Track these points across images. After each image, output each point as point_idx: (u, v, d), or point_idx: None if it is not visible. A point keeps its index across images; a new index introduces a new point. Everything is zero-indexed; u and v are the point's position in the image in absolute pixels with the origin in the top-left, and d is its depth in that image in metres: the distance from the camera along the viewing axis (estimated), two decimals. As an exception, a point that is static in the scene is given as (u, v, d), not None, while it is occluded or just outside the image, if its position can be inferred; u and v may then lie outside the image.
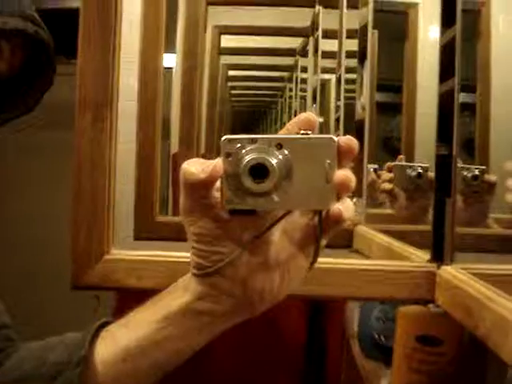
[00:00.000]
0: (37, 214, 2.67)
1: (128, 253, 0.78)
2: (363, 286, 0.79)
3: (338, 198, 0.49)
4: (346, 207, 0.49)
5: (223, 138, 0.48)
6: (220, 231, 0.51)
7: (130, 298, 0.62)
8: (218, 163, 0.48)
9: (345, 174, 0.48)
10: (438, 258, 0.81)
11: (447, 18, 0.84)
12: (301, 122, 0.50)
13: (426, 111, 1.32)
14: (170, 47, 1.69)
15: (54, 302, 2.48)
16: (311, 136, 0.48)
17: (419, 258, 0.85)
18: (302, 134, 0.49)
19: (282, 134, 0.50)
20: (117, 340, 0.57)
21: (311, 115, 0.50)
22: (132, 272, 0.74)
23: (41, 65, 0.84)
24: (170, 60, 1.71)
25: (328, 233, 0.51)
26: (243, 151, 0.47)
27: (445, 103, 0.79)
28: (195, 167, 0.49)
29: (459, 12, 0.78)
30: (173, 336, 0.55)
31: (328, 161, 0.48)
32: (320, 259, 0.67)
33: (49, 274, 2.42)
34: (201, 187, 0.49)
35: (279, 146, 0.48)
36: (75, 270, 0.77)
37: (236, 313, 0.54)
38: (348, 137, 0.49)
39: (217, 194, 0.50)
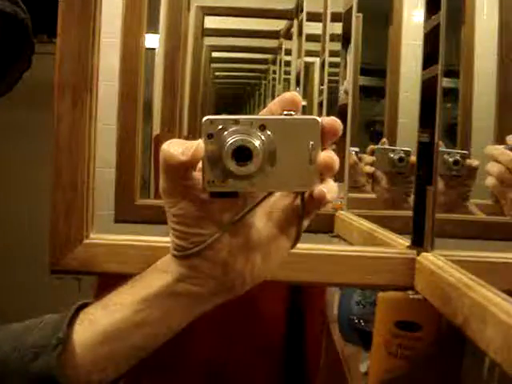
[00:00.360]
0: (18, 195, 2.65)
1: (107, 237, 0.77)
2: (343, 272, 0.79)
3: (322, 180, 0.48)
4: (329, 188, 0.48)
5: (205, 119, 0.47)
6: (201, 213, 0.51)
7: (111, 280, 0.61)
8: (199, 145, 0.47)
9: (328, 156, 0.48)
10: (418, 244, 0.82)
11: (432, 4, 0.83)
12: (284, 102, 0.49)
13: (408, 96, 1.33)
14: (154, 27, 1.67)
15: (33, 284, 2.47)
16: (295, 117, 0.48)
17: (400, 244, 0.86)
18: (286, 114, 0.48)
19: (264, 115, 0.49)
20: (95, 322, 0.56)
21: (295, 95, 0.49)
22: (113, 257, 0.74)
23: (19, 45, 0.82)
24: (153, 41, 1.69)
25: (310, 214, 0.52)
26: (225, 133, 0.47)
27: (427, 90, 0.79)
28: (175, 148, 0.48)
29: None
30: (152, 318, 0.54)
31: (311, 142, 0.47)
32: (300, 244, 0.67)
33: (29, 255, 2.41)
34: (181, 169, 0.49)
35: (262, 127, 0.47)
36: (54, 254, 0.76)
37: (216, 294, 0.54)
38: (332, 118, 0.48)
39: (198, 176, 0.49)
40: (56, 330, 0.56)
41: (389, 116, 1.49)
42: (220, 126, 0.47)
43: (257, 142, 0.46)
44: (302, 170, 0.48)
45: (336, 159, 0.48)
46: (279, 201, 0.53)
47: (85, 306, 0.59)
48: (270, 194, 0.53)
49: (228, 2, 2.07)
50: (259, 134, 0.47)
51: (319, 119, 0.47)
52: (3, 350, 0.58)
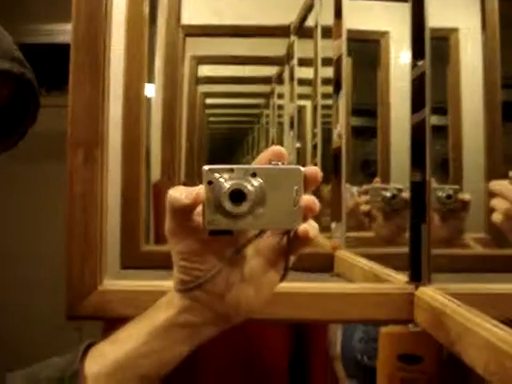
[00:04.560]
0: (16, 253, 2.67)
1: (120, 283, 0.81)
2: (345, 309, 0.83)
3: (304, 220, 0.56)
4: (311, 227, 0.56)
5: (205, 168, 0.55)
6: (202, 250, 0.58)
7: (116, 326, 0.65)
8: (200, 190, 0.55)
9: (310, 199, 0.56)
10: (416, 279, 0.85)
11: (417, 51, 0.87)
12: (272, 154, 0.57)
13: (399, 135, 1.39)
14: (149, 77, 1.72)
15: (34, 333, 2.48)
16: (281, 166, 0.56)
17: (398, 280, 0.89)
18: (274, 164, 0.56)
19: (255, 165, 0.57)
20: (106, 355, 0.61)
21: (281, 149, 0.58)
22: (127, 302, 0.77)
23: (26, 103, 0.88)
24: (150, 90, 1.73)
25: (296, 250, 0.59)
26: (222, 180, 0.54)
27: (417, 133, 0.84)
28: (180, 193, 0.55)
29: (428, 48, 0.83)
30: (158, 348, 0.60)
31: (296, 187, 0.55)
32: (303, 284, 0.73)
33: (28, 313, 2.43)
34: (185, 211, 0.56)
35: (254, 175, 0.55)
36: (70, 301, 0.79)
37: (215, 324, 0.61)
38: (313, 167, 0.57)
39: (198, 218, 0.56)
40: (69, 364, 0.62)
41: (381, 156, 1.54)
42: (218, 174, 0.55)
43: (249, 187, 0.54)
44: (288, 211, 0.55)
45: (316, 202, 0.56)
46: (268, 239, 0.60)
47: (92, 344, 0.64)
48: (262, 231, 0.59)
49: (220, 50, 2.10)
50: (251, 180, 0.55)
51: (302, 168, 0.55)
52: None
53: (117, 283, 0.81)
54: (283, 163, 0.56)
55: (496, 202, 0.81)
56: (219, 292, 0.59)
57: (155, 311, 0.62)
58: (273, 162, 0.56)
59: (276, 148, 0.58)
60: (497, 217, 0.81)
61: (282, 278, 0.61)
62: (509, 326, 0.60)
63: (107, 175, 0.79)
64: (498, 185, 0.82)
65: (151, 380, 0.62)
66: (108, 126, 0.80)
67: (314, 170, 0.57)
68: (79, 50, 0.77)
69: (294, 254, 0.59)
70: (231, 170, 0.55)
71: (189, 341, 0.61)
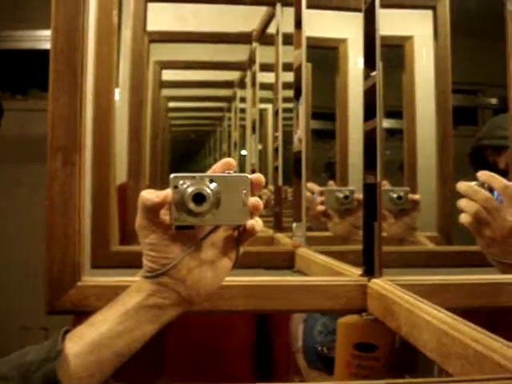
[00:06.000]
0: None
1: (98, 279, 0.87)
2: (305, 300, 0.90)
3: (252, 216, 0.69)
4: (256, 223, 0.69)
5: (172, 176, 0.68)
6: (167, 242, 0.70)
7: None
8: (168, 192, 0.67)
9: (256, 200, 0.69)
10: (369, 272, 0.93)
11: (370, 62, 0.93)
12: (224, 165, 0.71)
13: (356, 138, 1.45)
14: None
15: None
16: (232, 174, 0.69)
17: (353, 273, 0.97)
18: (227, 172, 0.69)
19: (212, 173, 0.70)
20: (84, 336, 0.70)
21: (232, 160, 0.71)
22: (104, 297, 0.82)
23: None
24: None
25: (245, 241, 0.72)
26: (185, 185, 0.67)
27: (369, 139, 0.91)
28: (150, 194, 0.68)
29: (378, 60, 0.90)
30: (130, 327, 0.70)
31: (244, 191, 0.68)
32: (267, 278, 0.81)
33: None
34: (154, 209, 0.68)
35: (211, 181, 0.68)
36: (49, 297, 0.85)
37: (179, 305, 0.72)
38: (257, 174, 0.71)
39: (164, 216, 0.69)
40: (52, 346, 0.69)
41: (340, 157, 1.61)
42: (182, 181, 0.67)
43: (208, 190, 0.67)
44: (238, 210, 0.68)
45: (261, 203, 0.70)
46: (222, 233, 0.72)
47: (68, 331, 0.72)
48: (216, 227, 0.72)
49: (183, 55, 2.15)
50: (209, 185, 0.68)
51: (249, 176, 0.69)
52: (3, 371, 0.68)
53: (95, 279, 0.87)
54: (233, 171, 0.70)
55: (464, 204, 0.82)
56: (182, 277, 0.70)
57: (127, 296, 0.72)
58: (226, 171, 0.69)
59: (227, 160, 0.71)
60: (465, 219, 0.82)
61: (234, 264, 0.73)
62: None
63: (84, 178, 0.85)
64: (467, 187, 0.82)
65: (124, 357, 0.71)
66: (85, 132, 0.85)
67: (258, 177, 0.70)
68: (58, 61, 0.83)
69: (243, 244, 0.72)
70: (193, 177, 0.68)
71: (157, 320, 0.71)
